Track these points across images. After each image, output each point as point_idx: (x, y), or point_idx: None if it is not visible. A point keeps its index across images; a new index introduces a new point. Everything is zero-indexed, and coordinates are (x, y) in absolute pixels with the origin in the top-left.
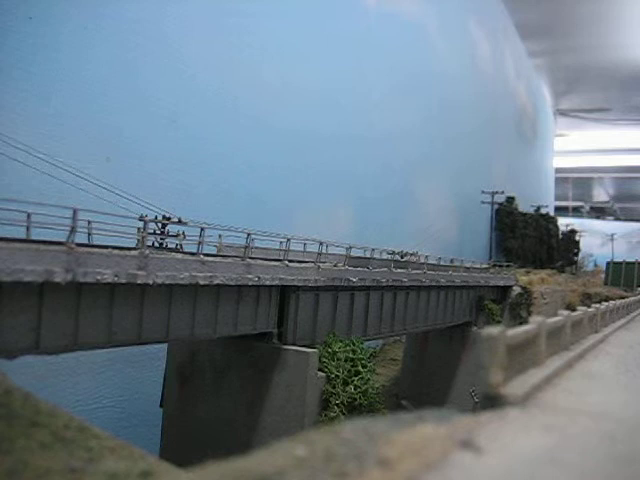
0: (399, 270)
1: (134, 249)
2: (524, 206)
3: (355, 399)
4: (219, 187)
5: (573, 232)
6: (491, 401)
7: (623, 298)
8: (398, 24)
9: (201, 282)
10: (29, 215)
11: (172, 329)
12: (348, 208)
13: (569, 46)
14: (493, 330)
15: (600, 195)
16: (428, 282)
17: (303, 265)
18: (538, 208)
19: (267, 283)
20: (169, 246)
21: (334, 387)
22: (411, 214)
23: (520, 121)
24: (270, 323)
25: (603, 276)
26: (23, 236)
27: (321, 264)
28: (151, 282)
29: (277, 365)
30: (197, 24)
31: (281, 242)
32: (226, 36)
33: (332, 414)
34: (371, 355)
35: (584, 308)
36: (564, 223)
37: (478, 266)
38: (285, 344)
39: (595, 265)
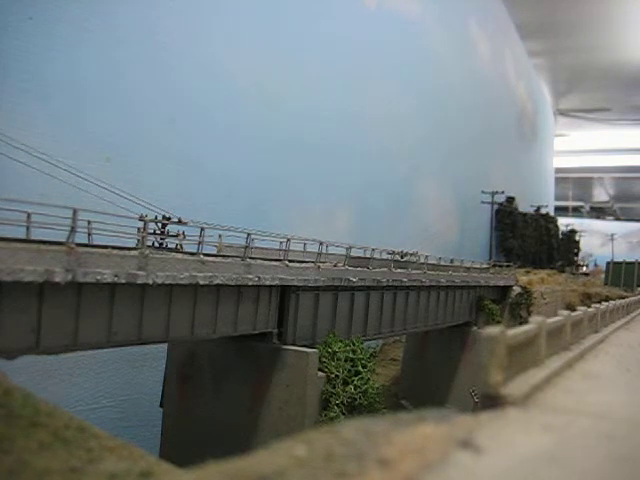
0: (399, 270)
1: (134, 249)
2: (524, 206)
3: (355, 399)
4: (219, 187)
5: (573, 232)
6: (491, 401)
7: (623, 298)
8: (398, 24)
9: (201, 282)
10: (29, 215)
11: (172, 329)
12: (347, 208)
13: (569, 46)
14: (493, 330)
15: (600, 195)
16: (428, 282)
17: (303, 265)
18: (538, 208)
19: (267, 283)
20: (169, 246)
21: (334, 387)
22: (411, 214)
23: (520, 121)
24: (270, 323)
25: (603, 276)
26: (23, 236)
27: (321, 264)
28: (151, 282)
29: (277, 365)
30: (197, 23)
31: (281, 242)
32: (225, 36)
33: (332, 414)
34: (371, 355)
35: (584, 308)
36: (564, 223)
37: (478, 266)
38: (285, 344)
39: (595, 265)
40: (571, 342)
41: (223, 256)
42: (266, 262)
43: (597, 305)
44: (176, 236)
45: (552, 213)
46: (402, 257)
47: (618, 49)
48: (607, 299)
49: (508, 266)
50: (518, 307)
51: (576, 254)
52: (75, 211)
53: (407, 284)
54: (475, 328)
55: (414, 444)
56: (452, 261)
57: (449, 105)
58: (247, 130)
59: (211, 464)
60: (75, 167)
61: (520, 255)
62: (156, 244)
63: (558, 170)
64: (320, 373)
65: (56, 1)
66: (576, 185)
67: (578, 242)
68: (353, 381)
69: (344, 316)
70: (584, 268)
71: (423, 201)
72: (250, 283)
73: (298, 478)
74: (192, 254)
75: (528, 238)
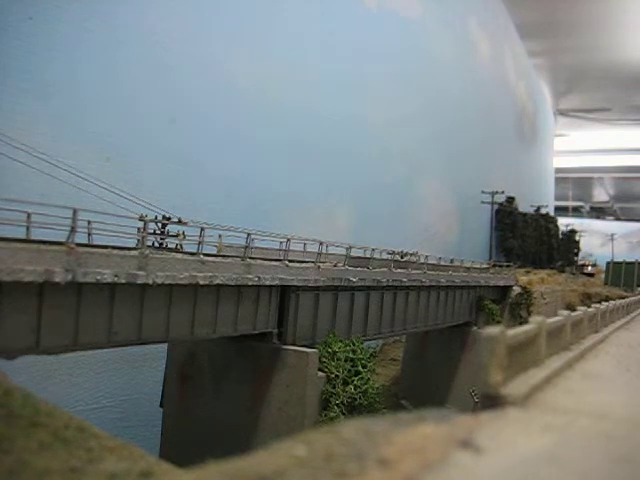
0: (399, 270)
1: (134, 249)
2: (524, 206)
3: (355, 399)
4: (219, 187)
5: (573, 232)
6: (491, 401)
7: (623, 298)
8: (398, 25)
9: (201, 282)
10: (29, 215)
11: (172, 329)
12: (348, 209)
13: (569, 46)
14: (493, 330)
15: (600, 195)
16: (428, 282)
17: (303, 265)
18: (538, 208)
19: (267, 283)
20: (169, 246)
21: (334, 387)
22: (411, 215)
23: (520, 121)
24: (270, 323)
25: (603, 276)
26: (23, 236)
27: (321, 264)
28: (151, 282)
29: (277, 365)
30: (197, 24)
31: (281, 242)
32: (225, 36)
33: (332, 414)
34: (371, 355)
35: (584, 308)
36: (564, 223)
37: (478, 266)
38: (285, 344)
39: (594, 265)
40: (571, 342)
41: (223, 256)
42: (266, 262)
43: (597, 305)
44: (176, 236)
45: (552, 213)
46: (402, 257)
47: (618, 49)
48: (607, 299)
49: (508, 266)
50: (518, 307)
51: (576, 254)
52: (75, 211)
53: (407, 284)
54: (475, 328)
55: (414, 444)
56: (452, 261)
57: (449, 105)
58: (247, 131)
59: (211, 464)
60: (75, 167)
61: (520, 255)
62: (156, 244)
63: (558, 170)
64: (320, 373)
65: (56, 1)
66: (576, 185)
67: (578, 242)
68: (353, 381)
69: (344, 316)
70: (589, 268)
71: (423, 201)
72: (250, 283)
73: (298, 478)
74: (192, 254)
75: (528, 238)
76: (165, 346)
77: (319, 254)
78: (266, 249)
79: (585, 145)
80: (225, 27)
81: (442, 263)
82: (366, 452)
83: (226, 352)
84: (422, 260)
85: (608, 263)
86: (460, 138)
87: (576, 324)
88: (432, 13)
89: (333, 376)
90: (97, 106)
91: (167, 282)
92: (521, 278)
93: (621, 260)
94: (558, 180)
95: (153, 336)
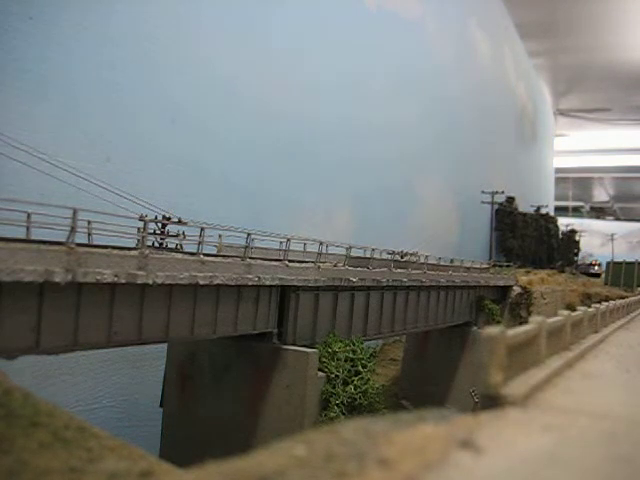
0: (399, 270)
1: (134, 249)
2: (524, 206)
3: (355, 399)
4: (219, 187)
5: (573, 232)
6: (491, 401)
7: (623, 298)
8: (398, 25)
9: (201, 282)
10: (29, 215)
11: (172, 329)
12: (349, 210)
13: (569, 46)
14: (493, 330)
15: (600, 195)
16: (428, 282)
17: (303, 265)
18: (538, 208)
19: (267, 283)
20: (169, 246)
21: (334, 387)
22: (411, 215)
23: (520, 121)
24: (270, 323)
25: (603, 276)
26: (23, 236)
27: (321, 264)
28: (151, 282)
29: (277, 365)
30: (198, 26)
31: (281, 242)
32: (227, 35)
33: (332, 414)
34: (371, 355)
35: (584, 308)
36: (564, 223)
37: (478, 266)
38: (285, 344)
39: (600, 265)
40: (571, 342)
41: (223, 256)
42: (266, 262)
43: (597, 305)
44: (176, 236)
45: (552, 213)
46: (402, 257)
47: (618, 49)
48: (607, 299)
49: (508, 266)
50: (518, 307)
51: (576, 254)
52: (75, 211)
53: (407, 284)
54: (475, 328)
55: (414, 444)
56: (452, 261)
57: (449, 106)
58: (246, 132)
59: (211, 464)
60: (75, 167)
61: (520, 255)
62: (156, 244)
63: (558, 170)
64: (320, 373)
65: (57, 1)
66: (576, 185)
67: (578, 242)
68: (353, 381)
69: (344, 316)
70: (596, 268)
71: (423, 202)
72: (250, 283)
73: (298, 478)
74: (192, 254)
75: (528, 238)
76: (165, 346)
77: (319, 254)
78: (266, 249)
79: (585, 145)
80: (225, 27)
81: (442, 263)
82: (366, 452)
83: (226, 352)
84: (422, 260)
85: (608, 263)
86: (460, 138)
87: (576, 324)
88: (432, 14)
89: (333, 376)
90: (97, 106)
91: (167, 282)
92: (521, 278)
93: (621, 260)
94: (558, 180)
95: (153, 336)
